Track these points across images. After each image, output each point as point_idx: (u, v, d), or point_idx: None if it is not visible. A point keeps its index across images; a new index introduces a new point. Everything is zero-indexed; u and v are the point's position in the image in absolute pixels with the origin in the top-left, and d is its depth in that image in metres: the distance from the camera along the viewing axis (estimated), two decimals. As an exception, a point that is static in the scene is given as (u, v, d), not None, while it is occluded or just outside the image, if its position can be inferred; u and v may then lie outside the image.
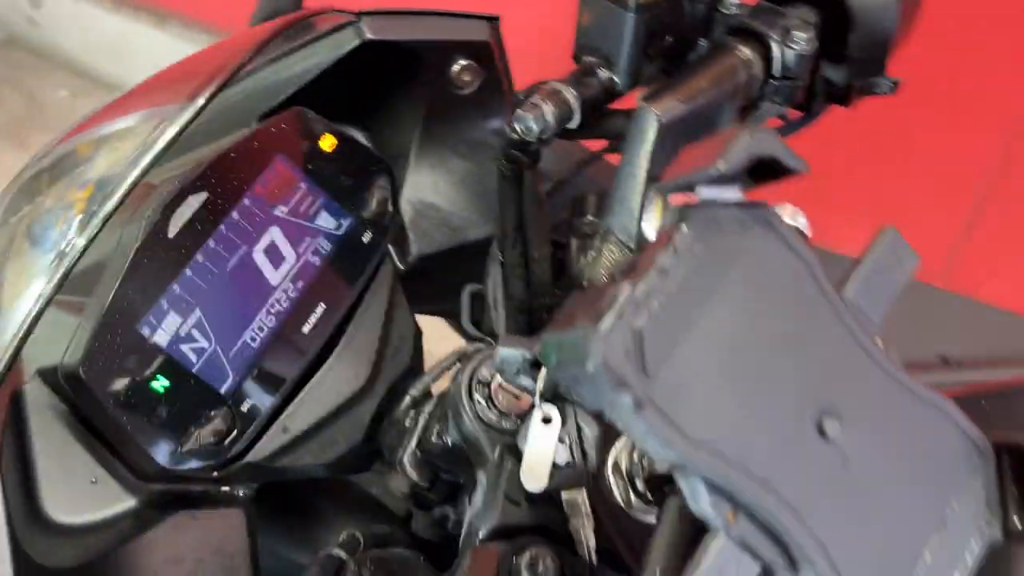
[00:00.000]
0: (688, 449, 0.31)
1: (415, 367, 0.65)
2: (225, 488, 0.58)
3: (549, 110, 0.53)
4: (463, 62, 0.66)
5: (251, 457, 0.57)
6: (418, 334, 0.66)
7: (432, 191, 0.70)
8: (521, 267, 0.64)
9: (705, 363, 0.31)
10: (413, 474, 0.58)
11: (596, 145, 0.74)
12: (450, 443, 0.55)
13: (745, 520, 0.33)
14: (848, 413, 0.34)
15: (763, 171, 0.33)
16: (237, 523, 0.58)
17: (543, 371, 0.47)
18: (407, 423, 0.61)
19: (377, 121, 0.69)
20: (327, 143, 0.61)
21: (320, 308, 0.59)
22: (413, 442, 0.58)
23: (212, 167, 0.55)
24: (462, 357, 0.62)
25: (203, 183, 0.55)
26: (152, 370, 0.52)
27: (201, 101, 0.46)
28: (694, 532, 0.42)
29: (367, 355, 0.62)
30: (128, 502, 0.55)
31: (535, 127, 0.53)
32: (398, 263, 0.69)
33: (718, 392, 0.32)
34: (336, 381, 0.60)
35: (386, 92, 0.68)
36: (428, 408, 0.59)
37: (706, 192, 0.33)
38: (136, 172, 0.45)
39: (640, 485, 0.51)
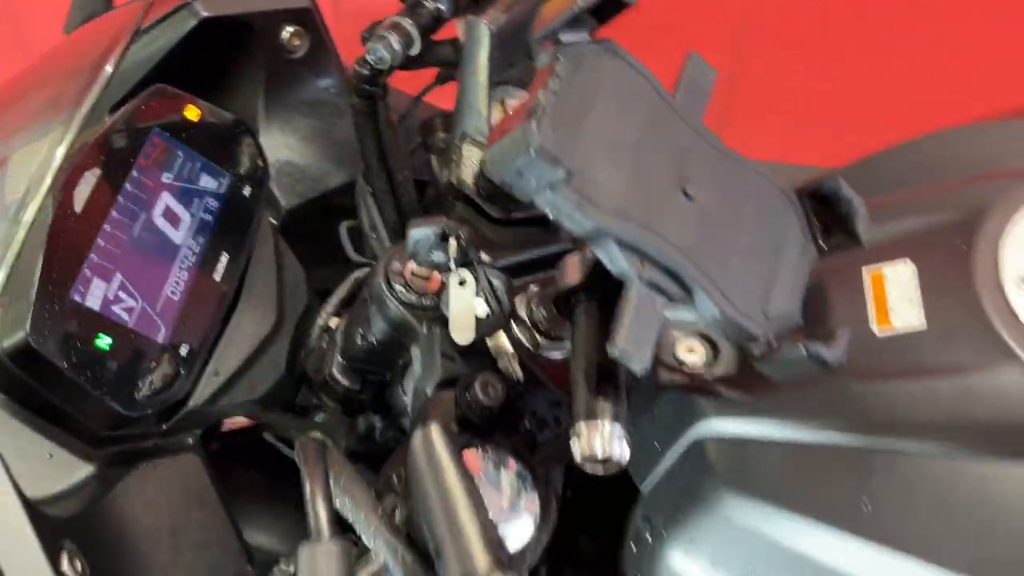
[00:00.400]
0: (603, 217, 0.42)
1: (311, 305, 0.72)
2: (173, 438, 0.63)
3: (395, 39, 0.62)
4: (290, 28, 0.74)
5: (192, 403, 0.62)
6: (308, 277, 0.73)
7: (286, 150, 0.77)
8: (389, 192, 0.72)
9: (597, 155, 0.42)
10: (344, 381, 0.65)
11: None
12: (375, 340, 0.62)
13: (650, 267, 0.44)
14: (700, 180, 0.46)
15: (603, 11, 0.44)
16: (194, 463, 0.63)
17: (452, 242, 0.56)
18: (324, 345, 0.68)
19: (223, 93, 0.74)
20: (192, 113, 0.67)
21: (224, 257, 0.65)
22: (337, 354, 0.65)
23: (97, 147, 0.59)
24: (356, 281, 0.70)
25: (93, 162, 0.59)
26: (93, 331, 0.56)
27: (109, 69, 0.51)
28: (603, 325, 0.53)
29: (269, 299, 0.68)
30: (87, 468, 0.58)
31: (387, 55, 0.62)
32: (271, 219, 0.75)
33: (611, 175, 0.43)
34: (249, 324, 0.66)
35: (227, 65, 0.74)
36: (342, 326, 0.67)
37: (567, 36, 0.44)
38: (59, 156, 0.50)
39: (543, 325, 0.61)
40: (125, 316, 0.58)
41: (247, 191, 0.68)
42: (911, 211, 0.60)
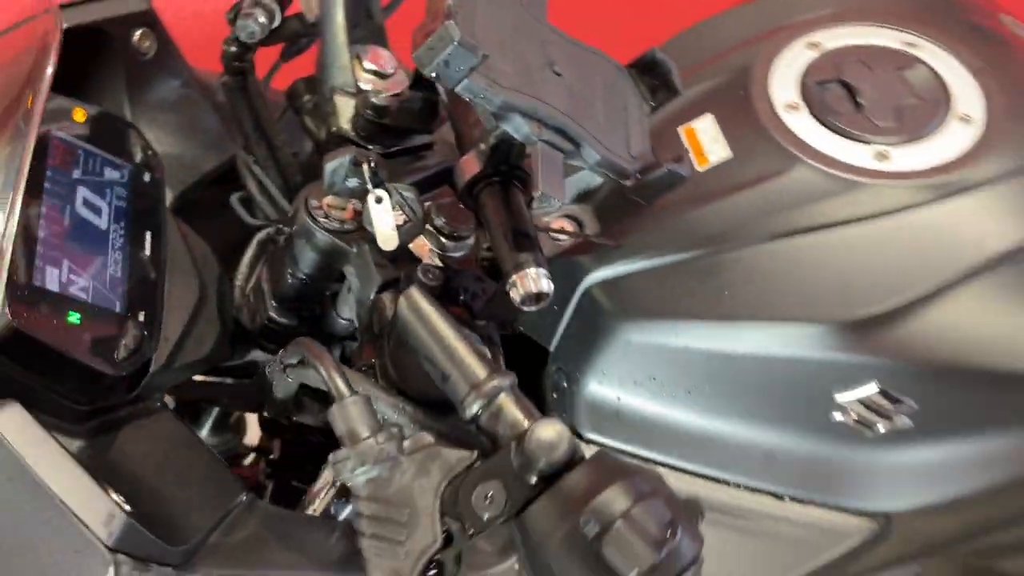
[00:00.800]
0: (509, 93, 0.55)
1: (223, 271, 0.79)
2: (142, 405, 0.69)
3: (260, 13, 0.71)
4: (139, 31, 0.80)
5: (153, 368, 0.68)
6: (211, 249, 0.80)
7: (157, 144, 0.82)
8: (271, 158, 0.81)
9: (492, 48, 0.55)
10: (283, 319, 0.74)
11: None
12: (304, 274, 0.71)
13: (546, 130, 0.57)
14: (561, 61, 0.60)
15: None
16: (170, 417, 0.69)
17: (365, 166, 0.67)
18: (252, 298, 0.76)
19: (89, 99, 0.79)
20: (79, 116, 0.72)
21: (148, 235, 0.71)
22: (270, 300, 0.74)
23: (11, 152, 0.64)
24: (260, 242, 0.79)
25: (13, 165, 0.64)
26: (62, 309, 0.61)
27: (50, 70, 0.57)
28: (506, 199, 0.66)
29: (188, 270, 0.75)
30: (76, 443, 0.63)
31: (257, 28, 0.71)
32: None
33: (504, 63, 0.55)
34: (180, 293, 0.73)
35: (88, 73, 0.79)
36: (266, 275, 0.75)
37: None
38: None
39: (445, 229, 0.73)
40: (83, 295, 0.63)
41: (147, 177, 0.74)
42: (704, 77, 0.78)
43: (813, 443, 0.74)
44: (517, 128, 0.57)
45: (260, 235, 0.79)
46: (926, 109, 0.73)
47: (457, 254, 0.74)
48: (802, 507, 0.76)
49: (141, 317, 0.66)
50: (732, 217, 0.72)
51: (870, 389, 0.70)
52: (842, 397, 0.71)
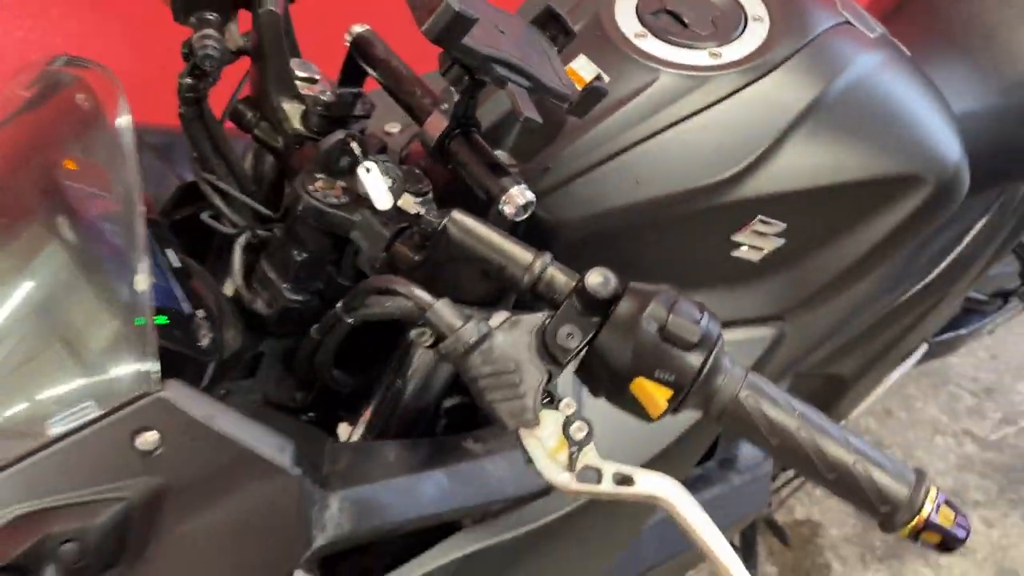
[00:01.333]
0: (486, 48, 0.72)
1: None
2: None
3: (212, 40, 0.82)
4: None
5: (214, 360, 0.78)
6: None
7: (115, 187, 0.90)
8: (230, 174, 0.91)
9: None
10: (300, 297, 0.85)
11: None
12: (311, 251, 0.84)
13: (513, 73, 0.75)
14: (501, 23, 0.78)
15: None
16: (241, 398, 0.79)
17: (354, 144, 0.81)
18: (259, 290, 0.87)
19: None
20: (71, 165, 0.79)
21: (169, 251, 0.80)
22: (283, 284, 0.85)
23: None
24: (243, 245, 0.89)
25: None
26: (152, 314, 0.70)
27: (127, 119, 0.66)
28: (471, 144, 0.82)
29: (198, 277, 0.85)
30: None
31: (216, 53, 0.82)
32: None
33: (475, 29, 0.72)
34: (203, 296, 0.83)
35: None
36: (268, 268, 0.86)
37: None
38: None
39: (410, 188, 0.88)
40: (156, 302, 0.72)
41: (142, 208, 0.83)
42: (566, 28, 0.98)
43: (724, 278, 0.97)
44: (494, 75, 0.74)
45: (240, 240, 0.89)
46: (730, 17, 0.98)
47: (430, 218, 0.90)
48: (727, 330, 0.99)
49: (201, 314, 0.76)
50: (626, 124, 0.93)
51: (754, 223, 0.94)
52: (736, 236, 0.95)
